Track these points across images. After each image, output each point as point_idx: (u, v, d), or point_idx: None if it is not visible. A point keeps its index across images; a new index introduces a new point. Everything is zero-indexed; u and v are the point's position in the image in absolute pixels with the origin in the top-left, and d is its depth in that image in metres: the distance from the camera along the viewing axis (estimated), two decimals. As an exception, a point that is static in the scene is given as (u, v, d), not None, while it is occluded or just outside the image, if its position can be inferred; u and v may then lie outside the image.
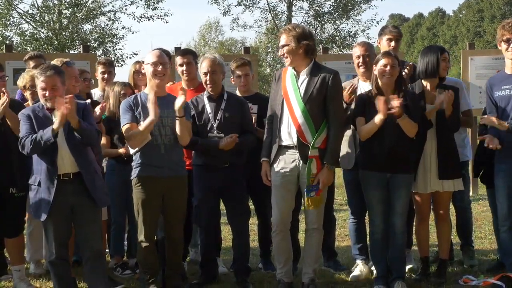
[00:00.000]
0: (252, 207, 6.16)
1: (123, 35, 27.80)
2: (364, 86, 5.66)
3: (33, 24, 26.61)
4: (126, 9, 27.69)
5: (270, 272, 5.95)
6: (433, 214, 5.68)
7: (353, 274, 5.82)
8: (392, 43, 6.00)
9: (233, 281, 5.65)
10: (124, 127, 5.10)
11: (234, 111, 5.53)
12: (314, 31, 30.38)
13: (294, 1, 32.60)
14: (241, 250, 5.65)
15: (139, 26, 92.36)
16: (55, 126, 4.63)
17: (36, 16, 26.67)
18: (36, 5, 26.52)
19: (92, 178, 4.88)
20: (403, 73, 5.53)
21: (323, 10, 32.66)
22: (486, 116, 5.36)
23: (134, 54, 27.01)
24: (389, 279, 5.32)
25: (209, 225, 5.62)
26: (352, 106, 5.50)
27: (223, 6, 32.11)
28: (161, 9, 28.34)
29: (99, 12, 27.19)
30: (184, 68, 5.86)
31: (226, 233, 6.88)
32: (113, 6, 27.80)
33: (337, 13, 32.53)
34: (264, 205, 5.94)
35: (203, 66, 5.57)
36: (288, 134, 5.12)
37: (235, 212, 5.58)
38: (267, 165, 5.23)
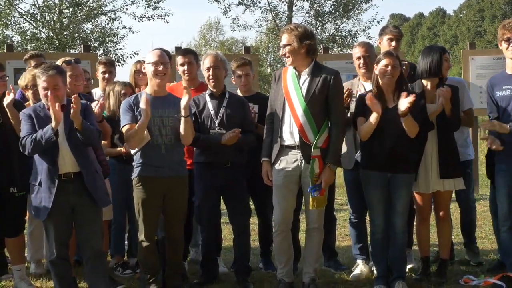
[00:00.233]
0: (252, 206, 6.16)
1: (123, 35, 27.88)
2: (366, 86, 5.66)
3: (34, 24, 26.62)
4: (126, 9, 27.75)
5: (270, 271, 5.95)
6: (434, 214, 5.68)
7: (353, 274, 5.82)
8: (393, 43, 5.99)
9: (233, 281, 5.65)
10: (124, 128, 5.10)
11: (235, 110, 5.53)
12: (314, 31, 30.39)
13: (295, 1, 32.61)
14: (242, 250, 5.65)
15: (140, 26, 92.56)
16: (53, 124, 4.63)
17: (36, 15, 26.67)
18: (37, 5, 26.55)
19: (92, 178, 4.88)
20: None
21: (323, 10, 32.66)
22: (486, 121, 5.35)
23: (135, 54, 27.04)
24: (390, 279, 5.32)
25: (210, 224, 5.62)
26: (352, 108, 5.50)
27: (224, 6, 32.15)
28: (162, 9, 28.44)
29: (99, 12, 27.20)
30: (185, 67, 5.86)
31: (227, 232, 6.89)
32: (113, 6, 27.86)
33: (337, 13, 32.53)
34: (265, 204, 5.95)
35: (205, 62, 5.57)
36: (290, 134, 5.12)
37: (236, 211, 5.58)
38: (268, 165, 5.23)
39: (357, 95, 5.53)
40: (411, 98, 4.96)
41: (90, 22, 27.49)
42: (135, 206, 5.20)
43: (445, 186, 5.43)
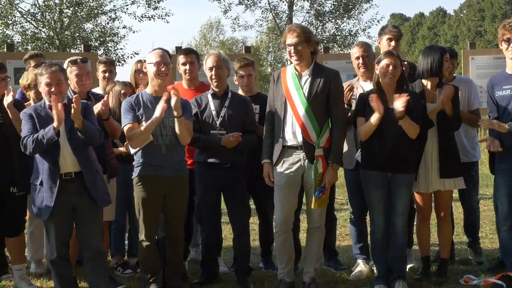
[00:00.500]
0: (252, 206, 6.16)
1: (124, 35, 27.89)
2: (365, 86, 5.66)
3: (34, 24, 26.63)
4: (127, 9, 27.77)
5: (271, 271, 5.95)
6: (435, 214, 5.68)
7: (354, 273, 5.82)
8: (392, 43, 5.98)
9: (233, 281, 5.65)
10: (125, 127, 5.10)
11: (237, 110, 5.53)
12: (315, 31, 30.40)
13: (295, 1, 32.62)
14: (242, 250, 5.65)
15: (140, 26, 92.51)
16: (55, 124, 4.63)
17: (37, 15, 26.68)
18: (37, 4, 26.56)
19: (93, 178, 4.88)
20: None
21: (324, 10, 32.67)
22: (485, 120, 5.35)
23: (135, 54, 27.06)
24: (390, 278, 5.32)
25: (210, 224, 5.62)
26: (353, 106, 5.51)
27: (224, 5, 32.15)
28: (162, 9, 28.44)
29: (100, 11, 27.21)
30: (187, 67, 5.86)
31: (227, 232, 6.89)
32: (114, 5, 27.89)
33: (338, 13, 32.53)
34: (265, 204, 5.95)
35: (208, 62, 5.57)
36: (292, 134, 5.12)
37: (236, 211, 5.58)
38: (269, 167, 5.23)
39: (357, 95, 5.54)
40: (405, 98, 4.96)
41: (91, 22, 27.50)
42: (135, 206, 5.20)
43: (446, 185, 5.43)
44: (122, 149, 5.82)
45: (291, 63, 5.25)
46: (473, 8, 55.56)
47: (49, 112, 4.78)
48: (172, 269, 5.31)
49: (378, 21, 32.85)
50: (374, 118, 5.09)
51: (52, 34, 26.25)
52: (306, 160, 5.10)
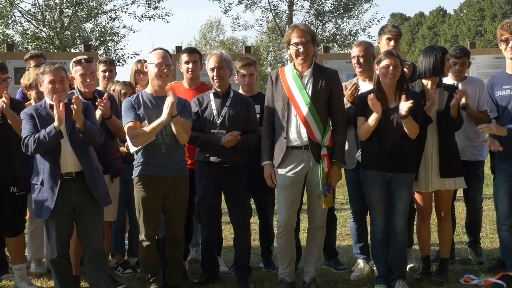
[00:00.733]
0: (253, 206, 6.16)
1: (124, 34, 27.89)
2: (363, 86, 5.66)
3: (35, 23, 26.63)
4: (127, 8, 27.75)
5: (271, 271, 5.96)
6: (435, 213, 5.68)
7: (354, 273, 5.82)
8: (392, 43, 5.97)
9: (234, 280, 5.65)
10: (127, 125, 5.09)
11: (239, 109, 5.53)
12: (315, 30, 30.38)
13: (295, 0, 32.60)
14: (242, 249, 5.65)
15: (140, 26, 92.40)
16: (56, 124, 4.63)
17: (37, 15, 26.68)
18: (37, 4, 26.57)
19: (94, 178, 4.88)
20: None
21: (324, 9, 32.65)
22: (484, 125, 5.34)
23: (136, 54, 27.05)
24: (390, 278, 5.32)
25: (210, 224, 5.62)
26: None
27: (224, 5, 32.14)
28: (162, 9, 28.44)
29: (100, 11, 27.20)
30: (190, 65, 5.85)
31: (227, 232, 6.89)
32: (114, 5, 27.88)
33: (338, 12, 32.52)
34: (265, 204, 5.95)
35: (210, 62, 5.57)
36: (297, 134, 5.12)
37: (236, 211, 5.59)
38: (271, 168, 5.22)
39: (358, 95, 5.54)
40: (410, 103, 4.97)
41: (91, 22, 27.50)
42: (135, 206, 5.20)
43: (446, 185, 5.43)
44: (122, 148, 5.82)
45: (291, 62, 5.24)
46: (473, 8, 55.50)
47: (50, 111, 4.78)
48: (172, 268, 5.31)
49: (378, 21, 32.87)
50: (373, 118, 5.09)
51: (52, 34, 26.25)
52: (311, 160, 5.10)
